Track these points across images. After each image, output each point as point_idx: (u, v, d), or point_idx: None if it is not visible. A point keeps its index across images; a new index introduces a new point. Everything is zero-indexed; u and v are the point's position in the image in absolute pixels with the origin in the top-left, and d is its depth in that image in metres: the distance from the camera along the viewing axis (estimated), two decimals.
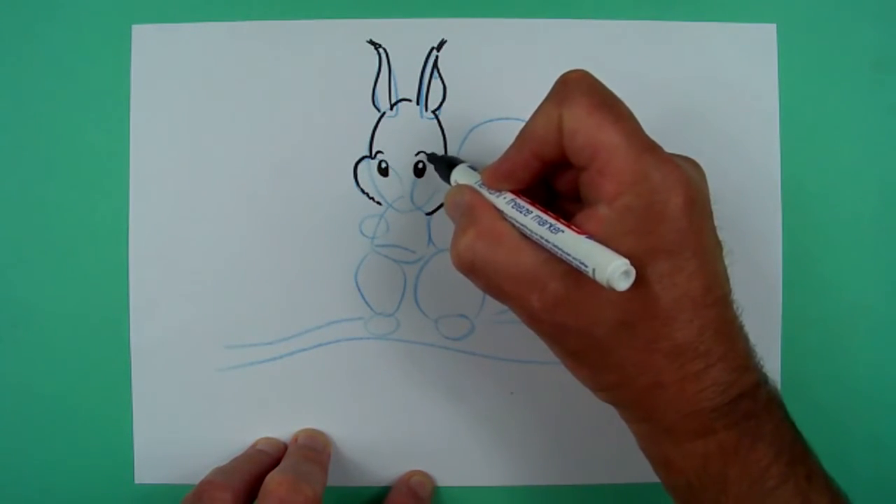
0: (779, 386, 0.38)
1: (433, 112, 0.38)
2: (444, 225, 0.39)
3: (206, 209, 0.38)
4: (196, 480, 0.34)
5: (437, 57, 0.38)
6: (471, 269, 0.29)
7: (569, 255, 0.26)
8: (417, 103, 0.38)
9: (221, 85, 0.38)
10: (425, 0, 0.38)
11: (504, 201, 0.30)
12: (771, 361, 0.38)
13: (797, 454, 0.28)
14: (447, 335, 0.39)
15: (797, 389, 0.39)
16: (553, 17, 0.38)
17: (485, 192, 0.31)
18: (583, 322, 0.27)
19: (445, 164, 0.34)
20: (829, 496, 0.28)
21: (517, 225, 0.29)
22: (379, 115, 0.38)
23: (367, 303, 0.39)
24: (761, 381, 0.29)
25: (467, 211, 0.30)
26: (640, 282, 0.26)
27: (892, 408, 0.39)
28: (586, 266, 0.25)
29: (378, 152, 0.38)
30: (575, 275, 0.27)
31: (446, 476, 0.39)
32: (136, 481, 0.39)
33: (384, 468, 0.39)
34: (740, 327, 0.29)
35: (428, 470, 0.39)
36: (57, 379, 0.39)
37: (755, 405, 0.28)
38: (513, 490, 0.39)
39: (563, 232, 0.27)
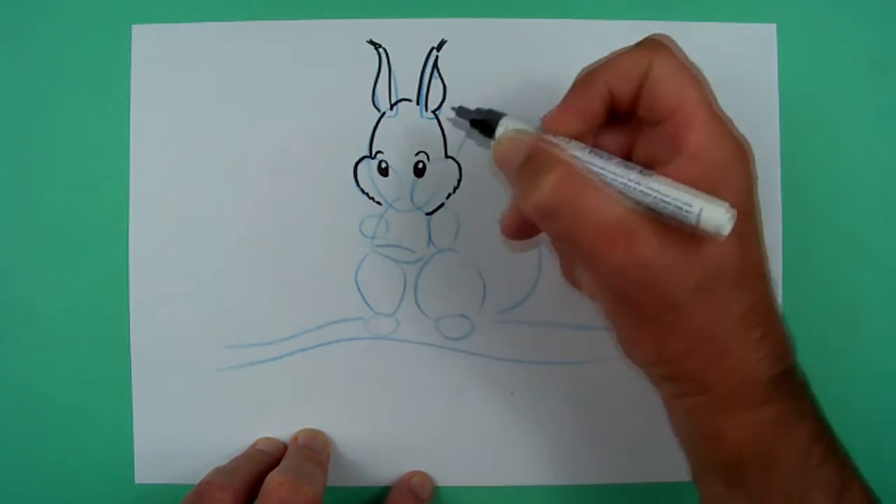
0: None
1: (433, 112, 0.38)
2: (444, 225, 0.39)
3: (206, 209, 0.38)
4: (196, 480, 0.34)
5: (437, 57, 0.38)
6: (551, 215, 0.27)
7: (667, 198, 0.25)
8: (417, 103, 0.38)
9: (221, 85, 0.38)
10: (425, 0, 0.38)
11: (576, 147, 0.28)
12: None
13: (832, 440, 0.29)
14: (447, 335, 0.39)
15: None
16: (553, 17, 0.38)
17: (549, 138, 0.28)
18: (665, 281, 0.26)
19: (484, 121, 0.31)
20: (862, 488, 0.29)
21: (597, 171, 0.27)
22: (379, 115, 0.38)
23: (367, 303, 0.39)
24: (797, 363, 0.29)
25: (535, 154, 0.28)
26: (718, 244, 0.26)
27: (893, 408, 0.39)
28: (690, 208, 0.24)
29: (378, 152, 0.38)
30: (663, 230, 0.26)
31: (446, 476, 0.39)
32: (137, 481, 0.39)
33: (384, 468, 0.39)
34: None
35: (428, 470, 0.39)
36: (57, 379, 0.39)
37: (800, 383, 0.29)
38: (513, 490, 0.39)
39: (654, 176, 0.26)
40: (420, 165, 0.38)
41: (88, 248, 0.38)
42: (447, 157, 0.38)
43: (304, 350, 0.39)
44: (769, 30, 0.39)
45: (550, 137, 0.28)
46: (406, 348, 0.39)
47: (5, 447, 0.39)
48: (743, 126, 0.38)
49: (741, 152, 0.27)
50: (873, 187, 0.39)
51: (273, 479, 0.33)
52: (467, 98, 0.38)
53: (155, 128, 0.38)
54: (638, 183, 0.26)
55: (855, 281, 0.39)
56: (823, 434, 0.28)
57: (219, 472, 0.35)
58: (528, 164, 0.28)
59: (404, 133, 0.38)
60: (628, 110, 0.29)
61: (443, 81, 0.38)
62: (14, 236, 0.39)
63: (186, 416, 0.39)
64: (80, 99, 0.38)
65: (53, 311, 0.39)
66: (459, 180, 0.38)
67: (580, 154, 0.27)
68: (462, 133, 0.38)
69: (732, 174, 0.27)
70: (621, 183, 0.26)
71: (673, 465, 0.39)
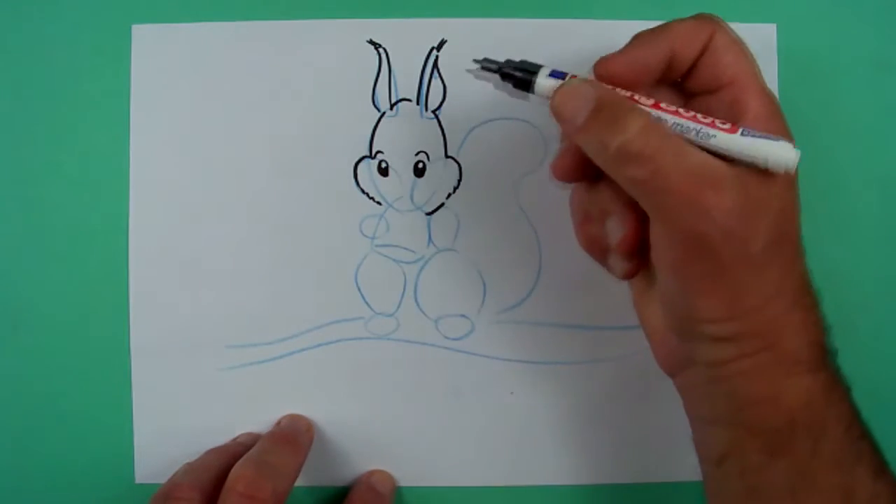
0: None
1: (433, 112, 0.38)
2: (444, 225, 0.39)
3: (206, 209, 0.38)
4: None
5: (437, 57, 0.38)
6: (637, 158, 0.27)
7: (739, 142, 0.27)
8: (417, 103, 0.38)
9: (221, 85, 0.38)
10: (425, 0, 0.38)
11: (637, 97, 0.28)
12: None
13: (864, 426, 0.29)
14: (447, 335, 0.39)
15: None
16: (553, 17, 0.38)
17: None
18: (746, 229, 0.27)
19: (515, 70, 0.30)
20: (893, 475, 0.29)
21: (669, 119, 0.28)
22: (379, 115, 0.38)
23: (367, 303, 0.39)
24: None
25: (618, 101, 0.28)
26: (790, 197, 0.28)
27: (893, 408, 0.39)
28: (761, 148, 0.26)
29: (378, 152, 0.38)
30: (746, 180, 0.27)
31: (447, 476, 0.39)
32: (137, 481, 0.39)
33: (384, 468, 0.39)
34: None
35: (428, 470, 0.39)
36: (57, 379, 0.39)
37: (834, 359, 0.30)
38: (513, 490, 0.39)
39: (726, 125, 0.27)
40: (420, 165, 0.38)
41: (88, 248, 0.38)
42: (447, 157, 0.38)
43: (304, 350, 0.39)
44: (769, 30, 0.38)
45: (616, 89, 0.29)
46: (406, 348, 0.39)
47: (5, 447, 0.39)
48: None
49: (786, 128, 0.29)
50: (873, 187, 0.39)
51: (233, 473, 0.32)
52: (467, 98, 0.38)
53: (155, 128, 0.38)
54: (714, 134, 0.27)
55: (855, 281, 0.39)
56: (857, 416, 0.29)
57: (187, 471, 0.34)
58: (607, 110, 0.27)
59: (404, 133, 0.38)
60: (680, 75, 0.30)
61: (443, 81, 0.38)
62: (14, 236, 0.39)
63: (186, 416, 0.39)
64: (80, 99, 0.38)
65: (53, 311, 0.39)
66: (459, 180, 0.38)
67: (646, 106, 0.28)
68: (462, 133, 0.38)
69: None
70: (696, 133, 0.27)
71: (672, 466, 0.39)
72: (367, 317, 0.39)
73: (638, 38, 0.30)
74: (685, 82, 0.30)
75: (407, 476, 0.39)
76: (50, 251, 0.38)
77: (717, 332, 0.28)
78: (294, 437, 0.37)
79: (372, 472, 0.39)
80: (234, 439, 0.38)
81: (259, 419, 0.39)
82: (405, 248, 0.39)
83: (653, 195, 0.27)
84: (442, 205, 0.38)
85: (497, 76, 0.31)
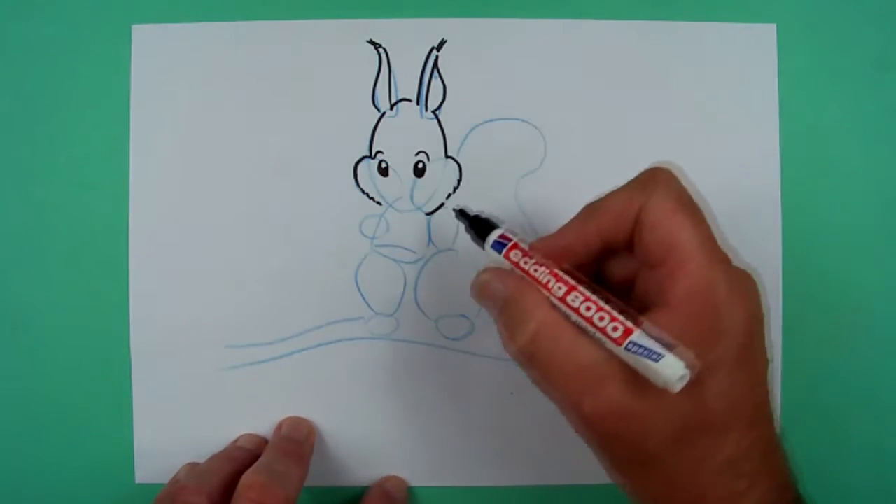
0: (779, 386, 0.39)
1: (433, 112, 0.38)
2: (444, 225, 0.39)
3: (206, 209, 0.38)
4: None
5: (437, 57, 0.38)
6: (531, 362, 0.28)
7: (631, 350, 0.25)
8: (417, 103, 0.38)
9: (221, 85, 0.38)
10: (425, 0, 0.38)
11: (553, 283, 0.28)
12: (771, 362, 0.39)
13: None
14: (447, 335, 0.39)
15: (797, 389, 0.39)
16: (553, 17, 0.38)
17: (528, 266, 0.29)
18: (636, 433, 0.26)
19: (478, 226, 0.32)
20: None
21: (567, 312, 0.27)
22: (379, 115, 0.38)
23: (367, 303, 0.39)
24: (799, 497, 0.28)
25: (515, 299, 0.28)
26: (698, 394, 0.25)
27: (893, 408, 0.39)
28: (649, 363, 0.25)
29: (378, 152, 0.38)
30: (633, 381, 0.26)
31: (447, 476, 0.39)
32: (137, 481, 0.39)
33: (384, 468, 0.39)
34: (781, 444, 0.28)
35: (429, 470, 0.39)
36: (57, 379, 0.39)
37: None
38: (514, 490, 0.39)
39: (617, 333, 0.26)
40: (420, 165, 0.38)
41: (88, 248, 0.38)
42: (447, 157, 0.38)
43: (304, 350, 0.39)
44: (769, 30, 0.38)
45: (529, 267, 0.29)
46: (406, 348, 0.39)
47: (5, 447, 0.39)
48: (743, 126, 0.39)
49: (741, 295, 0.27)
50: (873, 187, 0.39)
51: (245, 480, 0.32)
52: (467, 98, 0.38)
53: (155, 128, 0.38)
54: (601, 336, 0.26)
55: (855, 281, 0.39)
56: None
57: (194, 474, 0.34)
58: (507, 311, 0.28)
59: (404, 133, 0.38)
60: (624, 247, 0.28)
61: (443, 81, 0.38)
62: (14, 236, 0.39)
63: (186, 416, 0.39)
64: (80, 99, 0.38)
65: (53, 311, 0.39)
66: (459, 180, 0.38)
67: (559, 294, 0.27)
68: (462, 133, 0.38)
69: (725, 321, 0.26)
70: (592, 331, 0.27)
71: None
72: (367, 317, 0.39)
73: (578, 216, 0.29)
74: (635, 253, 0.29)
75: (405, 476, 0.39)
76: (50, 251, 0.38)
77: None
78: (298, 445, 0.37)
79: (387, 478, 0.39)
80: (234, 442, 0.38)
81: (259, 419, 0.39)
82: (405, 248, 0.39)
83: (548, 395, 0.28)
84: (442, 205, 0.38)
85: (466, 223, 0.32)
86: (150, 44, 0.38)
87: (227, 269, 0.38)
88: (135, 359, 0.38)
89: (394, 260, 0.39)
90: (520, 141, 0.38)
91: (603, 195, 0.29)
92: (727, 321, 0.26)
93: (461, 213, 0.33)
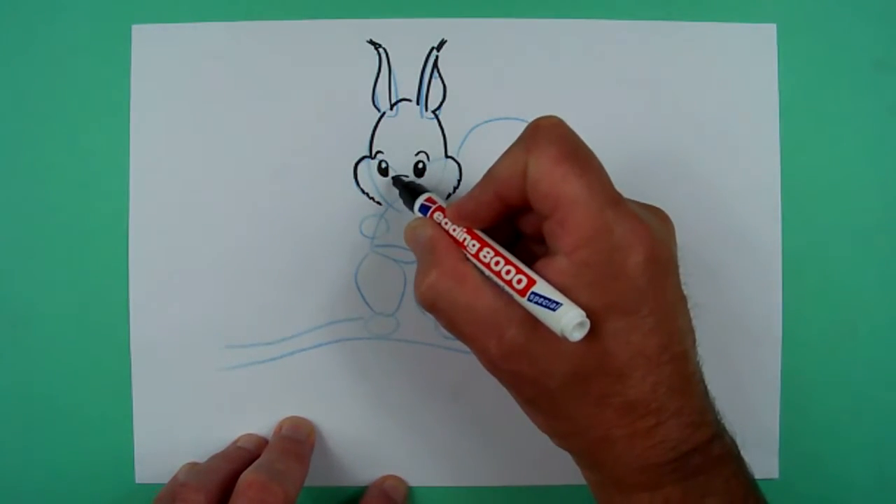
0: (779, 386, 0.39)
1: (433, 112, 0.38)
2: None
3: (207, 209, 0.38)
4: None
5: (437, 57, 0.38)
6: (433, 307, 0.29)
7: (531, 299, 0.27)
8: (417, 103, 0.38)
9: (221, 85, 0.38)
10: (425, 0, 0.38)
11: (468, 241, 0.30)
12: (771, 362, 0.39)
13: None
14: (447, 335, 0.39)
15: (797, 389, 0.39)
16: (553, 17, 0.38)
17: (449, 227, 0.31)
18: (537, 371, 0.28)
19: (410, 192, 0.34)
20: None
21: (479, 266, 0.29)
22: (379, 115, 0.38)
23: (367, 303, 0.39)
24: (716, 435, 0.28)
25: (430, 248, 0.30)
26: (594, 337, 0.26)
27: (893, 408, 0.39)
28: (550, 312, 0.26)
29: (378, 152, 0.38)
30: (532, 323, 0.27)
31: (447, 476, 0.39)
32: (137, 481, 0.39)
33: (383, 468, 0.39)
34: (698, 382, 0.29)
35: (429, 470, 0.39)
36: (57, 379, 0.39)
37: (706, 460, 0.28)
38: (513, 490, 0.39)
39: (532, 274, 0.27)
40: (420, 165, 0.38)
41: (88, 248, 0.38)
42: (447, 157, 0.38)
43: (304, 350, 0.39)
44: (769, 30, 0.39)
45: (448, 226, 0.31)
46: (406, 348, 0.39)
47: (5, 447, 0.39)
48: (743, 126, 0.39)
49: (635, 237, 0.26)
50: (873, 187, 0.39)
51: (244, 478, 0.32)
52: (467, 98, 0.38)
53: (155, 128, 0.38)
54: (514, 281, 0.28)
55: (855, 281, 0.39)
56: None
57: (193, 472, 0.34)
58: (422, 257, 0.31)
59: (404, 133, 0.38)
60: (523, 207, 0.29)
61: (443, 81, 0.38)
62: (14, 236, 0.39)
63: (186, 416, 0.39)
64: (80, 99, 0.38)
65: (53, 310, 0.39)
66: (459, 180, 0.38)
67: (468, 248, 0.30)
68: (462, 133, 0.38)
69: (618, 265, 0.26)
70: (497, 281, 0.28)
71: None
72: (367, 317, 0.39)
73: (481, 180, 0.30)
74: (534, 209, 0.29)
75: (405, 476, 0.39)
76: (50, 251, 0.38)
77: (555, 444, 0.30)
78: (299, 445, 0.37)
79: (385, 478, 0.39)
80: (235, 442, 0.38)
81: (259, 419, 0.39)
82: (405, 248, 0.39)
83: (459, 339, 0.30)
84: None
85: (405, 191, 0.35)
86: (150, 44, 0.38)
87: (227, 269, 0.38)
88: (135, 359, 0.38)
89: (394, 260, 0.39)
90: None
91: (499, 157, 0.29)
92: (621, 265, 0.26)
93: (396, 180, 0.37)
